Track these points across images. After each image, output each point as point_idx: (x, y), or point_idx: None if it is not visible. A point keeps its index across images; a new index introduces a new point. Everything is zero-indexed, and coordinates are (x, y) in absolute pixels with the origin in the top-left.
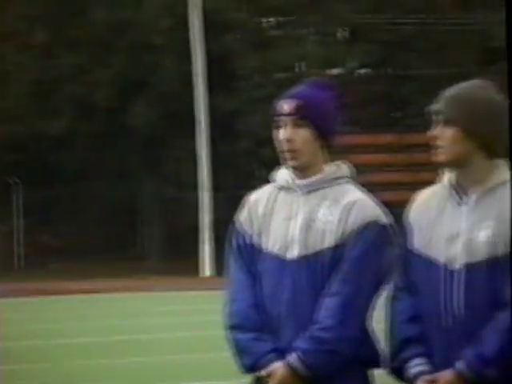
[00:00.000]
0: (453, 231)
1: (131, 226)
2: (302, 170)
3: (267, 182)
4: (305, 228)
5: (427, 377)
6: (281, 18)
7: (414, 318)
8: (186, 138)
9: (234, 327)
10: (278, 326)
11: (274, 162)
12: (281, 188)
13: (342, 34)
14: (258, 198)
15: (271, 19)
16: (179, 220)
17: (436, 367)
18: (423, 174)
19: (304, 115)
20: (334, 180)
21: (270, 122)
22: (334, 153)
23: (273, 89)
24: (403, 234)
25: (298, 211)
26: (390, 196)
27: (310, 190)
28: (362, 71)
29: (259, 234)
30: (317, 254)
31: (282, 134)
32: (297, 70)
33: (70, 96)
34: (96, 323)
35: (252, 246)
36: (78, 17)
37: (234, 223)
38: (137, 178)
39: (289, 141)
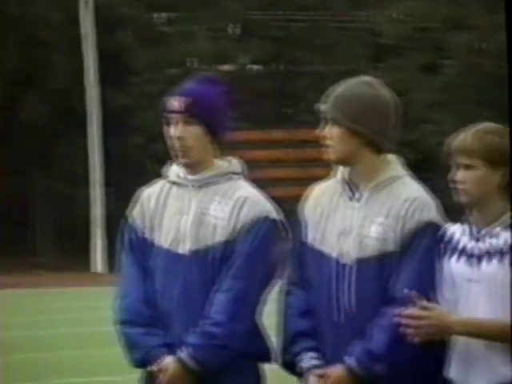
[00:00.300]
0: (345, 226)
1: (24, 222)
2: (193, 167)
3: (160, 176)
4: (196, 223)
5: (317, 371)
6: (172, 14)
7: (307, 313)
8: (78, 134)
9: (124, 322)
10: (170, 321)
11: (167, 157)
12: (173, 183)
13: (233, 30)
14: (150, 193)
15: (163, 15)
16: (71, 216)
17: (327, 361)
18: (314, 169)
19: (194, 113)
20: (226, 175)
21: (161, 118)
22: (225, 148)
23: (165, 84)
24: (297, 228)
25: (189, 206)
26: (281, 192)
27: (202, 185)
28: (254, 67)
29: (151, 229)
30: (208, 249)
31: (172, 131)
32: (188, 65)
33: None
34: None
35: (144, 240)
36: None
37: (125, 218)
38: (28, 174)
39: (179, 138)
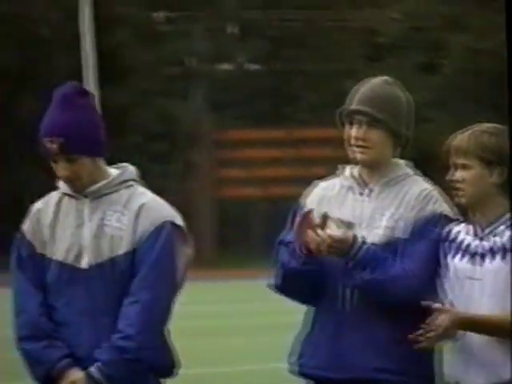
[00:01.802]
0: (354, 218)
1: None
2: (86, 188)
3: (156, 175)
4: (96, 235)
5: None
6: (171, 13)
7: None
8: None
9: (23, 338)
10: (76, 335)
11: (164, 156)
12: (66, 195)
13: (231, 29)
14: (42, 207)
15: (162, 14)
16: None
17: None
18: (313, 168)
19: (70, 151)
20: (121, 184)
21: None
22: (225, 147)
23: (163, 83)
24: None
25: (87, 218)
26: (279, 190)
27: (97, 196)
28: (252, 66)
29: (46, 244)
30: (109, 262)
31: (57, 169)
32: (187, 64)
33: None
34: None
35: (39, 255)
36: None
37: (19, 233)
38: (25, 171)
39: (66, 176)
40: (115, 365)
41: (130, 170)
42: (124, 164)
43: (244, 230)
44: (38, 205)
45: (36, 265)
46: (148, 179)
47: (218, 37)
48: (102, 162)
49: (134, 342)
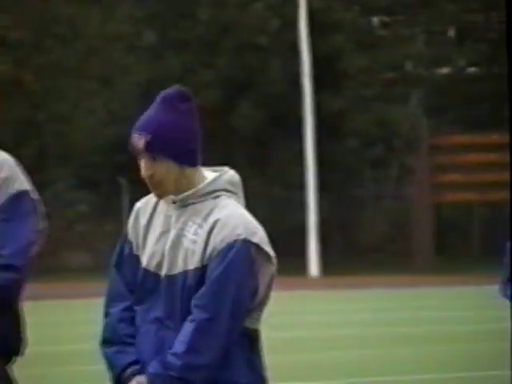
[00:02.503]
0: None
1: None
2: (168, 195)
3: (372, 180)
4: (173, 245)
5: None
6: (389, 18)
7: None
8: (292, 138)
9: (103, 342)
10: (140, 342)
11: (380, 161)
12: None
13: (450, 33)
14: (142, 207)
15: (379, 18)
16: (285, 220)
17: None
18: None
19: (155, 150)
20: (208, 194)
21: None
22: (443, 152)
23: (380, 88)
24: None
25: (173, 226)
26: (499, 195)
27: (184, 205)
28: (471, 70)
29: (140, 246)
30: (181, 275)
31: (141, 167)
32: (405, 69)
33: None
34: None
35: (135, 256)
36: (184, 18)
37: (124, 231)
38: (242, 178)
39: (148, 176)
40: (160, 379)
41: (224, 178)
42: (223, 169)
43: (463, 235)
44: (139, 203)
45: (132, 265)
46: (364, 184)
47: (437, 40)
48: (192, 171)
49: (179, 360)
